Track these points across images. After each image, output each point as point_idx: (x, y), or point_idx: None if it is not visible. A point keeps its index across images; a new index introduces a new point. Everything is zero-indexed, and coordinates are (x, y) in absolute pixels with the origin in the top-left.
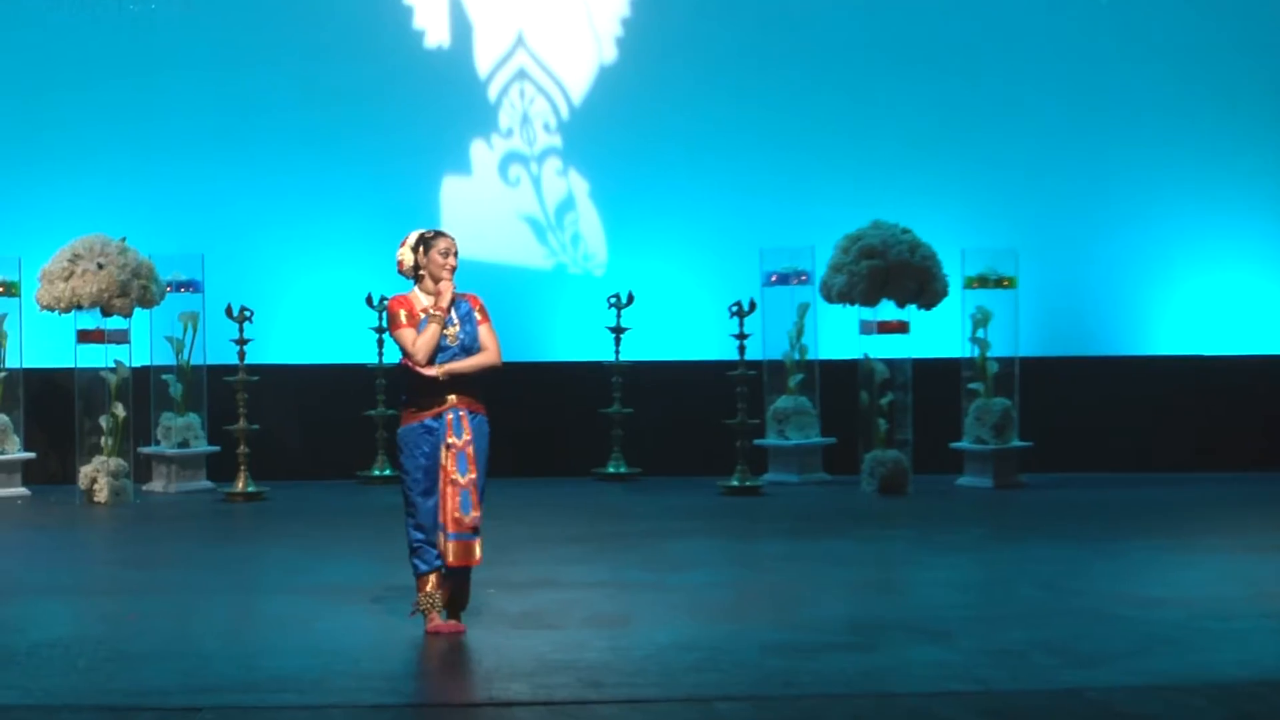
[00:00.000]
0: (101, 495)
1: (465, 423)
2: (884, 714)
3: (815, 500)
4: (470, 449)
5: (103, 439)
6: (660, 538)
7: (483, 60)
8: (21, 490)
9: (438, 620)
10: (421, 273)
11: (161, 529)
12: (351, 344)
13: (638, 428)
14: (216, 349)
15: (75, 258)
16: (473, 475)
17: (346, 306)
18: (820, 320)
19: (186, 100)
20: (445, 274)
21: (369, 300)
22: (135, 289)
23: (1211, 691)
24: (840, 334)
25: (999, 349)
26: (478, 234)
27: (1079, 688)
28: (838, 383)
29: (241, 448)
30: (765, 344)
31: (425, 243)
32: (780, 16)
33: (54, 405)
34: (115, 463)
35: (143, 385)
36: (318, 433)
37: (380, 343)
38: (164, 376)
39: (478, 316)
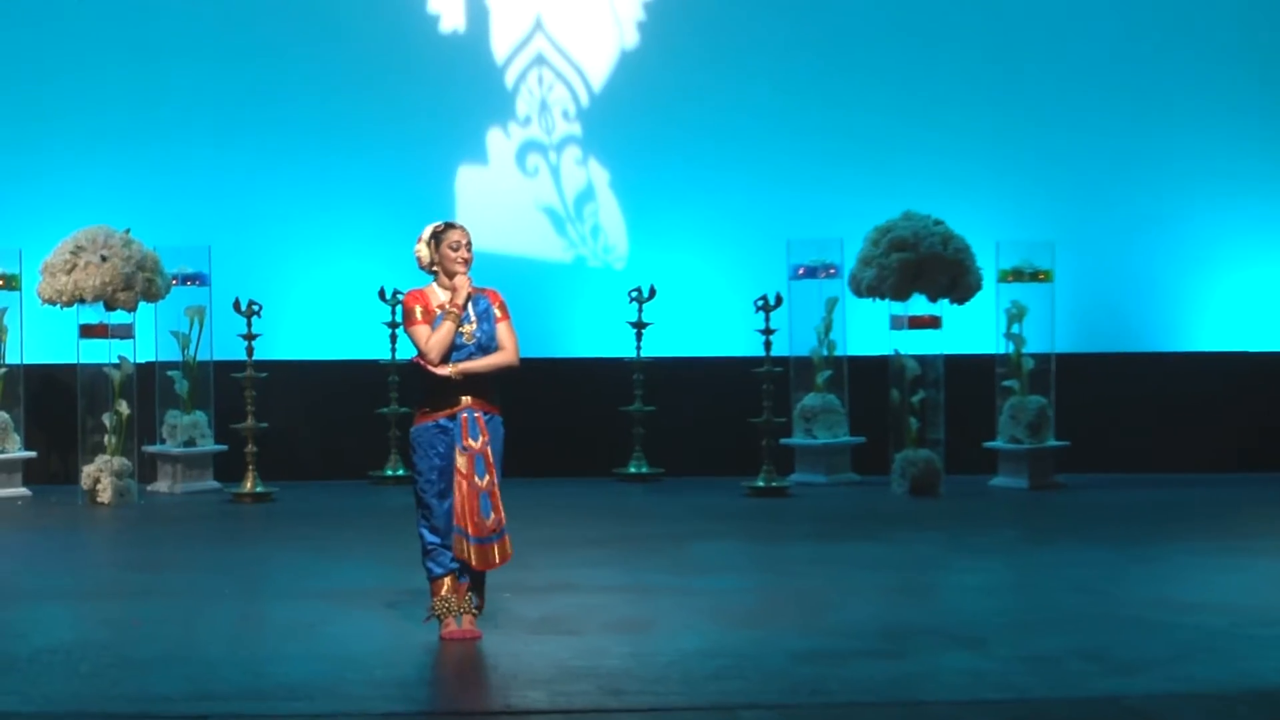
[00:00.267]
0: (105, 496)
1: (481, 424)
2: None
3: (844, 502)
4: (487, 451)
5: (106, 437)
6: (683, 540)
7: (499, 45)
8: (22, 490)
9: (453, 625)
10: (436, 268)
11: (167, 531)
12: (363, 339)
13: (660, 426)
14: (223, 344)
15: (78, 250)
16: (491, 477)
17: (358, 300)
18: (849, 315)
19: (193, 86)
20: (459, 268)
21: (381, 294)
22: (140, 282)
23: (1253, 699)
24: (870, 329)
25: (1034, 345)
26: (494, 226)
27: (1116, 695)
28: (867, 380)
29: (249, 447)
30: (792, 339)
31: (437, 236)
32: None
33: (56, 403)
34: (119, 462)
35: (147, 382)
36: (328, 431)
37: (393, 338)
38: (169, 373)
39: (497, 313)
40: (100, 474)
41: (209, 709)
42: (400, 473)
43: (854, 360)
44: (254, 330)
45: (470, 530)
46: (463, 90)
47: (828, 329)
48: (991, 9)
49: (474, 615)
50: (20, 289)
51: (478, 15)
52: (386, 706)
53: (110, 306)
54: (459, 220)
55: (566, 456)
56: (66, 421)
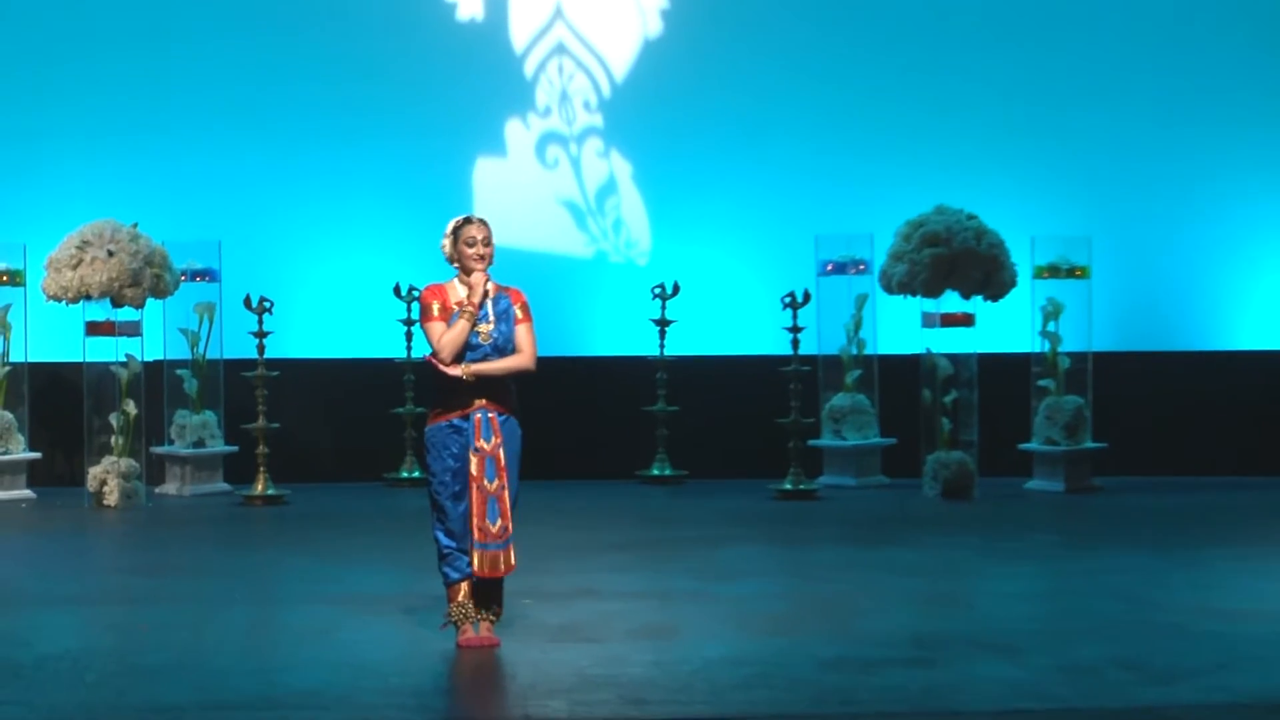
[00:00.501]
0: (111, 498)
1: (495, 425)
2: None
3: (874, 505)
4: (500, 453)
5: (113, 438)
6: (708, 545)
7: (519, 34)
8: (26, 493)
9: (470, 632)
10: (457, 264)
11: (175, 534)
12: (378, 337)
13: (684, 427)
14: (234, 342)
15: (84, 244)
16: (500, 481)
17: (373, 296)
18: (879, 312)
19: (202, 75)
20: (475, 265)
21: (397, 290)
22: (148, 278)
23: None
24: (901, 327)
25: (1071, 343)
26: (513, 219)
27: (1157, 706)
28: (898, 379)
29: (261, 448)
30: (820, 338)
31: (456, 231)
32: None
33: (61, 402)
34: (126, 463)
35: (155, 381)
36: (342, 432)
37: (409, 335)
38: (178, 371)
39: (518, 314)
40: (107, 476)
41: (218, 718)
42: (416, 475)
43: (884, 359)
44: (265, 327)
45: (475, 535)
46: (480, 80)
47: (857, 327)
48: None
49: (492, 622)
50: (25, 285)
51: (496, 2)
52: (402, 716)
53: (117, 303)
54: (477, 213)
55: (587, 459)
56: (72, 422)
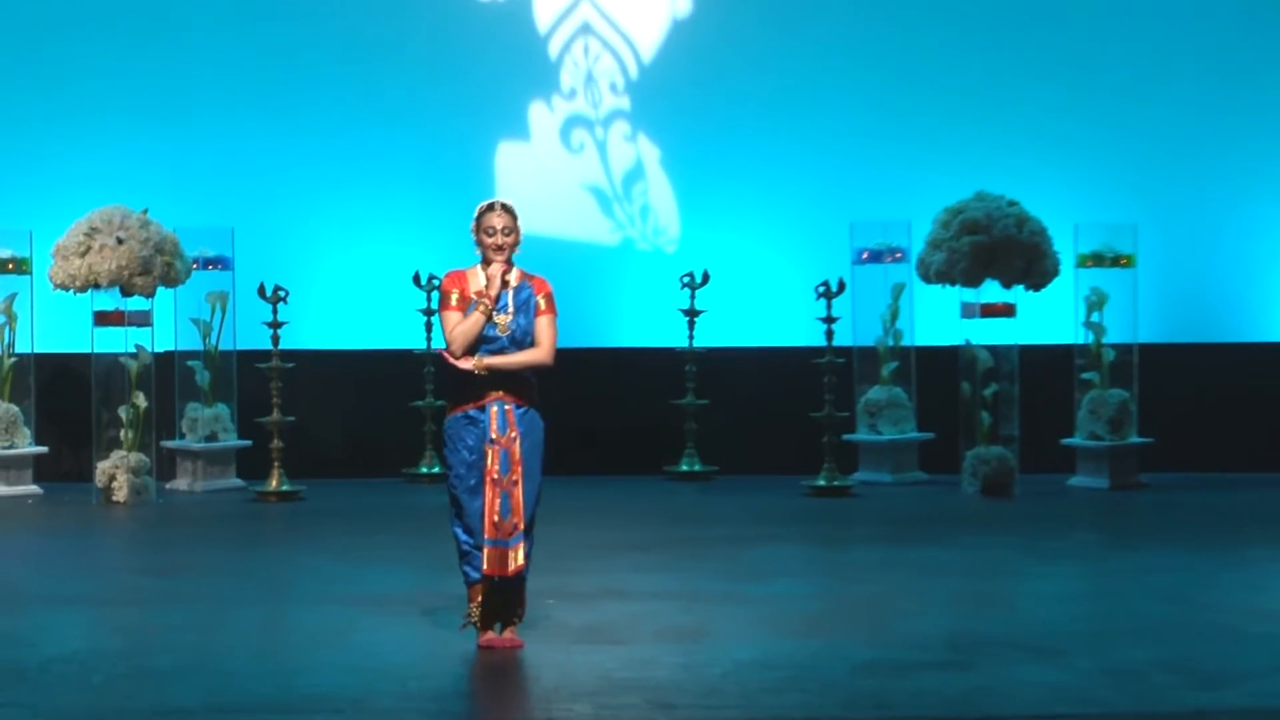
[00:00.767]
0: (120, 494)
1: (511, 418)
2: None
3: (911, 502)
4: (515, 446)
5: (122, 432)
6: (738, 543)
7: (543, 14)
8: (32, 488)
9: (491, 634)
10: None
11: (186, 532)
12: (397, 327)
13: (713, 421)
14: (248, 332)
15: (92, 231)
16: (514, 475)
17: (391, 286)
18: (917, 302)
19: (215, 56)
20: (493, 255)
21: (416, 279)
22: (158, 266)
23: None
24: (939, 318)
25: (1115, 335)
26: (537, 205)
27: (1204, 710)
28: (936, 372)
29: (275, 442)
30: (856, 329)
31: (478, 217)
32: None
33: (68, 394)
34: (135, 458)
35: (166, 372)
36: (359, 426)
37: (429, 326)
38: (189, 363)
39: (540, 304)
40: (116, 471)
41: None
42: (435, 470)
43: (922, 351)
44: (280, 318)
45: (486, 530)
46: (503, 61)
47: (894, 317)
48: None
49: (514, 623)
50: (31, 273)
51: None
52: None
53: (127, 292)
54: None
55: (613, 453)
56: (80, 415)
